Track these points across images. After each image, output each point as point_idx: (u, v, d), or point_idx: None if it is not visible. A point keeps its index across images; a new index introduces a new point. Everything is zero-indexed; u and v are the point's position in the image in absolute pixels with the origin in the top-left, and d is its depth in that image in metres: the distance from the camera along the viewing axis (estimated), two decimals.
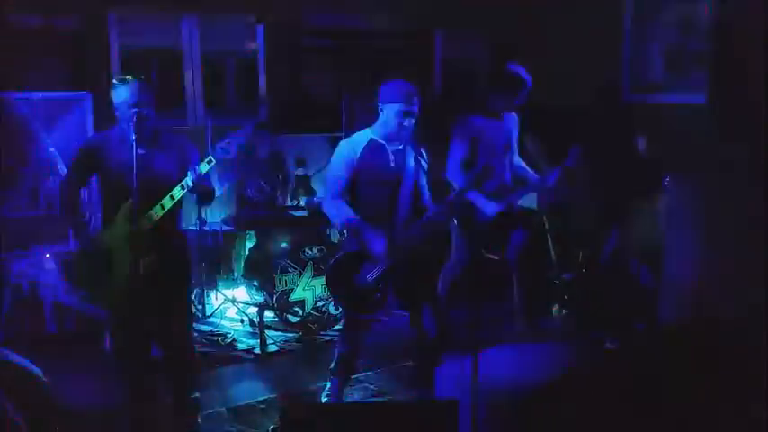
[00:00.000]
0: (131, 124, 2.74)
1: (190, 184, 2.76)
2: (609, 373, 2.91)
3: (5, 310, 4.01)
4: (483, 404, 2.50)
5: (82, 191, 3.15)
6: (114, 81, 2.88)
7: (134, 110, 2.76)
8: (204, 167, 2.77)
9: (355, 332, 3.27)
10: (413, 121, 3.00)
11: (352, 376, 3.44)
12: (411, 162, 3.10)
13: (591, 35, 5.67)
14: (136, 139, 2.75)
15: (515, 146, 4.04)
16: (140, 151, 2.77)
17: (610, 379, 2.86)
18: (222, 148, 2.75)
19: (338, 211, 3.05)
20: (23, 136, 3.96)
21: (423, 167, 3.05)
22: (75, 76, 4.79)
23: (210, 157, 2.78)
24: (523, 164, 4.10)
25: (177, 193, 2.79)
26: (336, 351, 3.37)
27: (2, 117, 3.89)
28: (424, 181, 3.18)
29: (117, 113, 2.86)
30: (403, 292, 3.16)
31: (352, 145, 3.08)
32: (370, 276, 3.00)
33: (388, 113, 3.00)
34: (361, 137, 3.12)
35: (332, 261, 3.08)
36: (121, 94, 2.80)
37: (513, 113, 4.00)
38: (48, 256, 4.09)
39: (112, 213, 2.89)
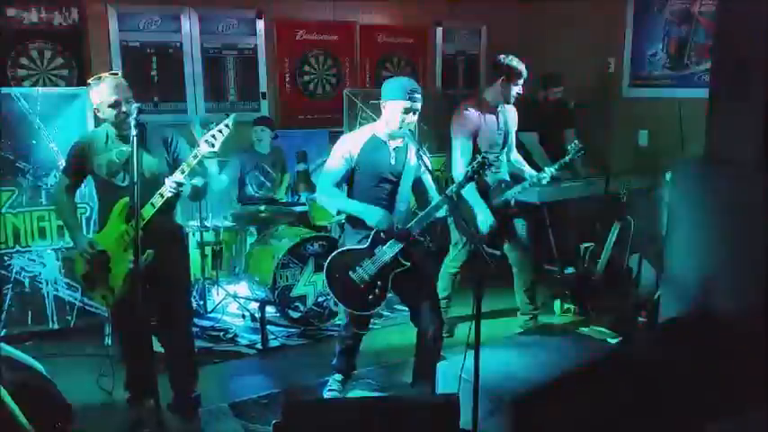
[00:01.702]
0: (115, 123, 2.73)
1: (170, 194, 2.73)
2: (610, 369, 2.90)
3: (6, 306, 4.02)
4: (483, 401, 2.50)
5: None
6: (90, 82, 2.85)
7: (114, 109, 2.76)
8: (179, 175, 2.72)
9: (355, 328, 3.27)
10: (415, 118, 3.00)
11: (353, 372, 3.45)
12: (412, 159, 3.10)
13: (592, 29, 5.66)
14: (119, 135, 2.76)
15: (513, 141, 4.01)
16: (128, 148, 2.76)
17: (611, 375, 2.86)
18: (206, 141, 2.71)
19: (335, 199, 3.08)
20: (24, 132, 3.95)
21: (425, 164, 3.04)
22: (76, 72, 4.80)
23: (184, 165, 2.73)
24: (521, 159, 4.06)
25: (156, 201, 2.76)
26: (337, 346, 3.39)
27: (2, 113, 3.88)
28: (428, 178, 3.17)
29: (99, 115, 2.85)
30: (402, 287, 3.16)
31: (354, 140, 3.09)
32: (368, 273, 3.00)
33: (391, 110, 2.99)
34: (363, 132, 3.12)
35: (330, 258, 3.08)
36: (98, 93, 2.79)
37: (512, 107, 3.96)
38: (49, 251, 4.10)
39: (107, 212, 2.90)
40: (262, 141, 4.79)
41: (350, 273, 3.02)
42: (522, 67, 3.74)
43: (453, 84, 6.42)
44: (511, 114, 3.95)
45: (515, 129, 4.01)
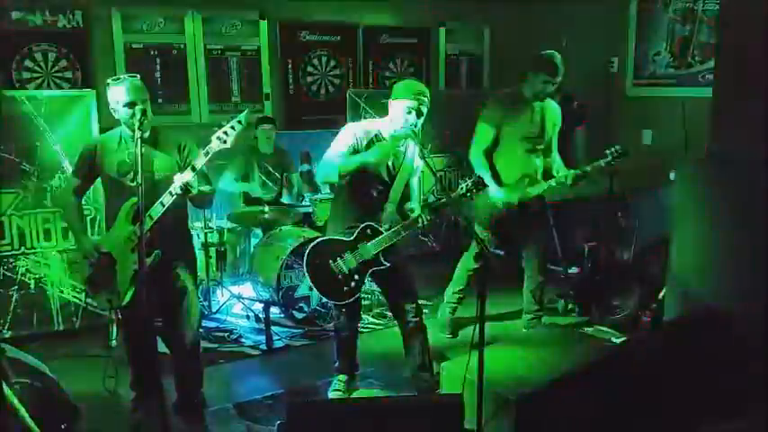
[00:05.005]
0: (130, 124, 2.73)
1: (178, 191, 2.73)
2: (614, 368, 2.90)
3: (12, 307, 4.03)
4: (488, 401, 2.50)
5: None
6: (108, 82, 2.87)
7: (130, 109, 2.76)
8: (190, 173, 2.72)
9: (347, 319, 3.30)
10: (419, 120, 3.01)
11: (356, 371, 3.46)
12: (409, 162, 3.12)
13: (596, 28, 5.65)
14: (133, 138, 2.75)
15: (553, 140, 3.91)
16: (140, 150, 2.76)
17: (615, 375, 2.85)
18: (218, 138, 2.71)
19: (336, 162, 3.02)
20: (28, 134, 3.97)
21: (419, 169, 3.09)
22: (80, 74, 4.82)
23: (194, 163, 2.74)
24: (558, 159, 3.95)
25: (166, 199, 2.77)
26: (335, 344, 3.41)
27: (7, 115, 3.90)
28: (415, 183, 3.23)
29: (114, 115, 2.86)
30: (381, 282, 3.26)
31: (361, 131, 3.10)
32: (348, 265, 3.03)
33: (396, 108, 3.01)
34: (369, 126, 3.14)
35: (313, 243, 3.10)
36: (116, 94, 2.80)
37: (554, 104, 3.88)
38: (54, 253, 4.11)
39: (114, 213, 2.90)
40: (270, 139, 4.81)
41: (330, 262, 3.04)
42: (551, 61, 3.64)
43: (456, 84, 6.43)
44: (552, 111, 3.86)
45: (557, 127, 3.92)
